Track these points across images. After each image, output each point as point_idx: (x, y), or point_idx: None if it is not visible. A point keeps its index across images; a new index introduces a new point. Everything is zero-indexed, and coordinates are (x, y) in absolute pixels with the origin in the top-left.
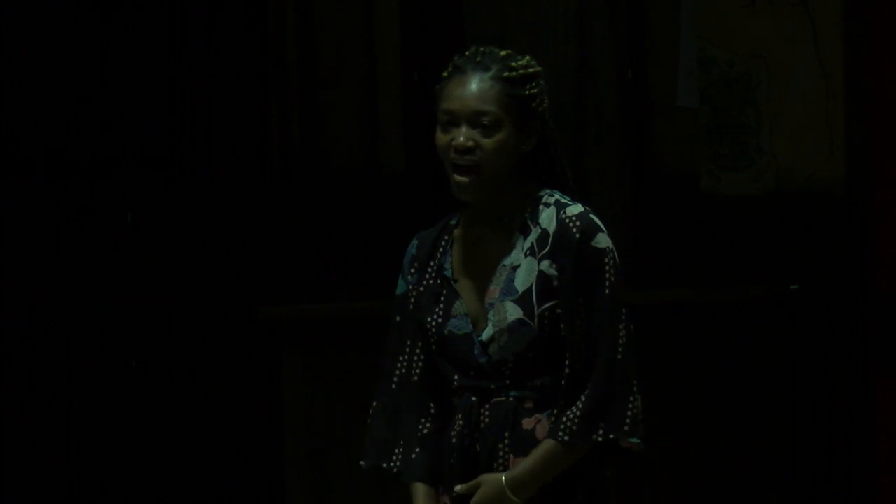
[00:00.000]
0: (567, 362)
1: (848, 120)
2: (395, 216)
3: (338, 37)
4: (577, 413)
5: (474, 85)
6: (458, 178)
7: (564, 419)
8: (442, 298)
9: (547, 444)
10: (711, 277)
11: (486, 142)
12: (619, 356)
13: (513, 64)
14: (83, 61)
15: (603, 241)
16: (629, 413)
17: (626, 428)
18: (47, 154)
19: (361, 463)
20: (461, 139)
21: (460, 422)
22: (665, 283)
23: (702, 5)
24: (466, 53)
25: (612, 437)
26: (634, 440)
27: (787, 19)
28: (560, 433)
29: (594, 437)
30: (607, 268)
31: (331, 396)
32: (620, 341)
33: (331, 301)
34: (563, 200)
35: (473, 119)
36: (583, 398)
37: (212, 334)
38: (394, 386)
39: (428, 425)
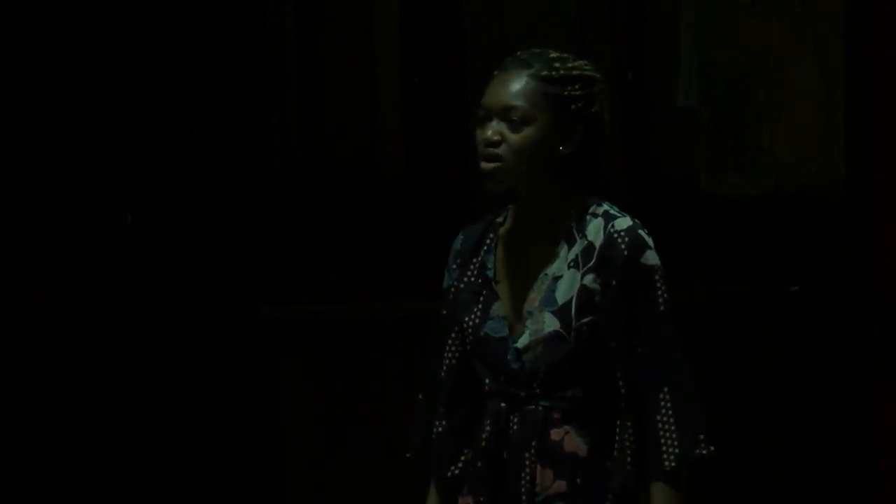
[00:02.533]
0: (621, 382)
1: (848, 120)
2: (395, 216)
3: (338, 37)
4: (674, 435)
5: (509, 81)
6: (483, 164)
7: (664, 447)
8: (481, 298)
9: (658, 488)
10: (711, 277)
11: (513, 136)
12: (689, 369)
13: (556, 64)
14: (83, 61)
15: (652, 258)
16: (707, 423)
17: (712, 437)
18: (47, 154)
19: (407, 454)
20: (489, 133)
21: (488, 427)
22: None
23: (702, 5)
24: (518, 53)
25: (712, 448)
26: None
27: (787, 19)
28: (667, 462)
29: (698, 451)
30: (658, 284)
31: (331, 396)
32: (683, 355)
33: (331, 301)
34: (612, 212)
35: (503, 114)
36: (670, 418)
37: (212, 334)
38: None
39: (443, 424)
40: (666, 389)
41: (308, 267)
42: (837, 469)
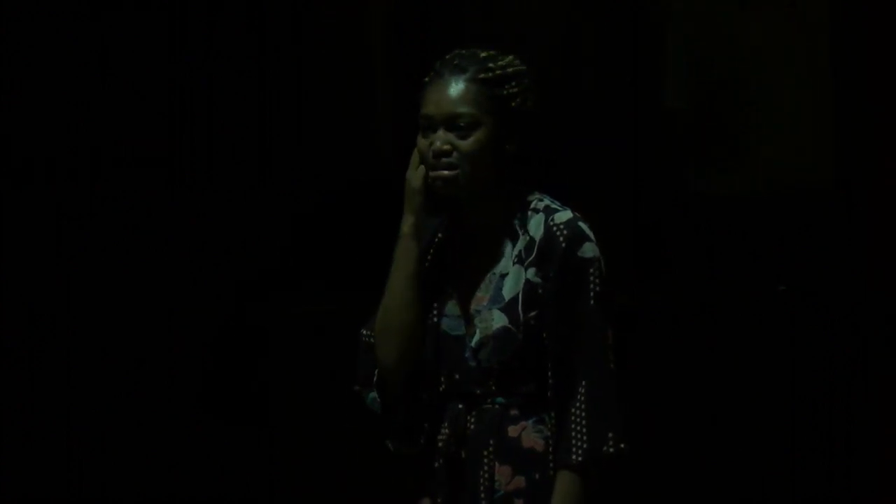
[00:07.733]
0: (550, 372)
1: (844, 120)
2: (395, 216)
3: (338, 37)
4: (584, 430)
5: (450, 88)
6: (439, 172)
7: (573, 441)
8: (436, 299)
9: (563, 477)
10: (710, 278)
11: (463, 144)
12: (612, 365)
13: (490, 65)
14: (83, 61)
15: (589, 250)
16: (622, 421)
17: (625, 436)
18: (47, 154)
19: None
20: (438, 143)
21: (446, 429)
22: (663, 283)
23: (692, 5)
24: (447, 57)
25: (622, 446)
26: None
27: (780, 19)
28: (574, 456)
29: (605, 449)
30: (592, 277)
31: (329, 396)
32: (608, 351)
33: (329, 301)
34: (553, 206)
35: (449, 122)
36: (583, 412)
37: (210, 334)
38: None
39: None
40: (584, 383)
41: (307, 267)
42: (837, 469)
